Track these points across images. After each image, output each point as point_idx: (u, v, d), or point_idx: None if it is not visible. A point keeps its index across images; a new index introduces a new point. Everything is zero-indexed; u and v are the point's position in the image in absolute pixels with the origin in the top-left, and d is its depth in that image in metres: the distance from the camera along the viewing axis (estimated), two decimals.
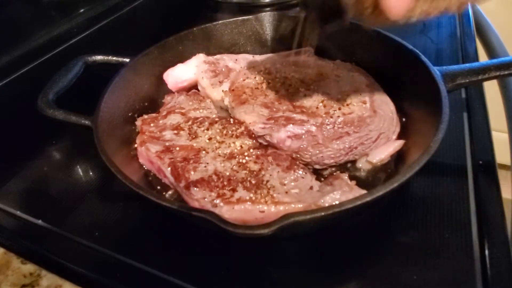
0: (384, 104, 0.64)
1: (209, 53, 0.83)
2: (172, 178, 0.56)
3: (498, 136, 0.76)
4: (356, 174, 0.59)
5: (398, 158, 0.60)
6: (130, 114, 0.70)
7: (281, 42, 0.87)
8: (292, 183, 0.53)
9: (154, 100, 0.76)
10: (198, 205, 0.50)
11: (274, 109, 0.63)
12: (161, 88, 0.78)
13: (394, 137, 0.62)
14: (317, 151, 0.58)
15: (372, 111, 0.61)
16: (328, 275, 0.47)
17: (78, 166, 0.69)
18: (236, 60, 0.79)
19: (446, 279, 0.45)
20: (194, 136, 0.61)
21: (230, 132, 0.62)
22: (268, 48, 0.88)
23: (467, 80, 0.59)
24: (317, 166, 0.60)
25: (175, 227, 0.54)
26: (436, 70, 0.60)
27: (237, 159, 0.56)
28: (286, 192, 0.51)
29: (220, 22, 0.86)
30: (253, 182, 0.52)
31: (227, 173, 0.54)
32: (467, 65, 0.60)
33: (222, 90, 0.73)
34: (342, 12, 0.45)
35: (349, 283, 0.46)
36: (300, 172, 0.55)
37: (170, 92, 0.78)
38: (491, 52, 1.02)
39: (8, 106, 0.88)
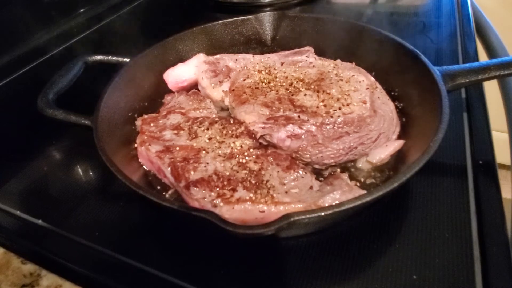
0: (384, 104, 0.64)
1: (209, 53, 0.83)
2: (172, 178, 0.56)
3: (498, 136, 0.76)
4: (356, 174, 0.59)
5: (398, 158, 0.60)
6: (130, 114, 0.70)
7: (281, 42, 0.87)
8: (292, 183, 0.53)
9: (154, 100, 0.76)
10: (198, 205, 0.50)
11: (274, 109, 0.63)
12: (161, 88, 0.78)
13: (394, 137, 0.62)
14: (317, 151, 0.58)
15: (372, 111, 0.61)
16: (328, 275, 0.47)
17: (78, 166, 0.69)
18: (236, 60, 0.79)
19: (446, 279, 0.45)
20: (194, 136, 0.61)
21: (230, 132, 0.62)
22: (268, 48, 0.88)
23: (467, 80, 0.59)
24: (317, 166, 0.60)
25: (175, 227, 0.54)
26: (436, 70, 0.60)
27: (237, 159, 0.56)
28: (286, 192, 0.51)
29: (220, 22, 0.86)
30: (253, 182, 0.52)
31: (227, 173, 0.54)
32: (467, 65, 0.60)
33: (222, 90, 0.73)
34: None
35: (349, 283, 0.46)
36: (300, 172, 0.55)
37: (170, 92, 0.78)
38: (491, 52, 1.02)
39: (8, 106, 0.88)
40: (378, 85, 0.68)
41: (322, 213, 0.42)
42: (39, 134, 0.76)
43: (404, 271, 0.46)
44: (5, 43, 1.03)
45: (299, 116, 0.61)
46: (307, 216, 0.41)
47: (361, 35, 0.76)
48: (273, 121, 0.61)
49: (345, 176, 0.53)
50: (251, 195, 0.50)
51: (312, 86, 0.67)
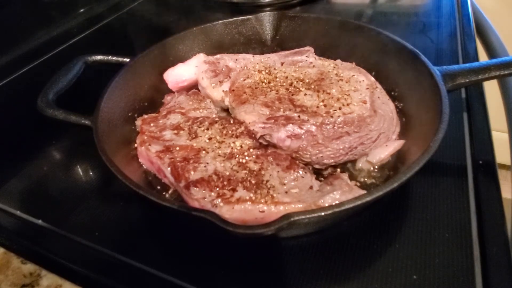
0: (384, 104, 0.64)
1: (209, 53, 0.83)
2: (172, 178, 0.56)
3: (498, 136, 0.76)
4: (356, 174, 0.59)
5: (398, 158, 0.60)
6: (130, 114, 0.70)
7: (281, 42, 0.87)
8: (292, 183, 0.53)
9: (154, 100, 0.76)
10: (198, 205, 0.50)
11: (274, 109, 0.63)
12: (161, 88, 0.78)
13: (394, 137, 0.62)
14: (317, 151, 0.58)
15: (372, 111, 0.61)
16: (328, 275, 0.47)
17: (78, 166, 0.69)
18: (236, 60, 0.79)
19: (446, 279, 0.45)
20: (194, 136, 0.61)
21: (230, 132, 0.62)
22: (268, 48, 0.88)
23: (467, 80, 0.59)
24: (317, 166, 0.60)
25: (175, 227, 0.54)
26: (436, 70, 0.60)
27: (237, 159, 0.56)
28: (286, 192, 0.51)
29: (220, 22, 0.86)
30: (253, 182, 0.52)
31: (227, 173, 0.54)
32: (467, 65, 0.60)
33: (222, 90, 0.73)
34: None
35: (349, 283, 0.46)
36: (300, 172, 0.55)
37: (170, 92, 0.78)
38: (491, 52, 1.02)
39: (8, 106, 0.88)
40: (378, 85, 0.68)
41: (322, 213, 0.42)
42: (39, 134, 0.76)
43: (404, 271, 0.46)
44: (5, 43, 1.03)
45: (299, 116, 0.61)
46: (307, 216, 0.41)
47: (361, 35, 0.76)
48: (273, 121, 0.61)
49: (345, 176, 0.53)
50: (251, 195, 0.50)
51: (312, 86, 0.67)
